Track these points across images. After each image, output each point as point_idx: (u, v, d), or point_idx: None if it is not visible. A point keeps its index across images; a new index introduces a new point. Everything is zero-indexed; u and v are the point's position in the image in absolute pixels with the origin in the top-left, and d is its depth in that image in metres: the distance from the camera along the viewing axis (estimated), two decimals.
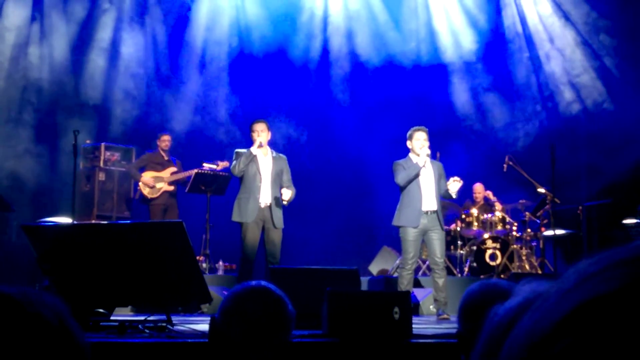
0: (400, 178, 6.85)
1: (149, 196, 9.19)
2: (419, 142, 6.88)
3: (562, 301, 0.50)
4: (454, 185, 6.85)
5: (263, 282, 1.98)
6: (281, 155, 7.27)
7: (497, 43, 11.86)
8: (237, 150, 7.18)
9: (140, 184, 9.24)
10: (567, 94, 11.40)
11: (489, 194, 9.82)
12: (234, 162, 7.01)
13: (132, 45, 11.00)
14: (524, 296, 0.74)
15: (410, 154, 6.96)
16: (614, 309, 0.46)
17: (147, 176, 9.21)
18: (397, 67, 11.75)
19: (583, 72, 11.32)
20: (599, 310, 0.47)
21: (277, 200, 6.99)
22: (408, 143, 6.99)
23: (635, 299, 0.47)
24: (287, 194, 6.92)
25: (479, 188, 9.87)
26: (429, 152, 6.90)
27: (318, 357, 3.92)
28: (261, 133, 7.02)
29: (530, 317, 0.52)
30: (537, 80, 11.71)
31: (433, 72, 11.87)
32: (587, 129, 11.03)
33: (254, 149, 6.97)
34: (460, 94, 11.88)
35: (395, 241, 8.30)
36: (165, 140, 9.45)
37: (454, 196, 6.97)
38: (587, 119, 11.17)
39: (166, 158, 9.41)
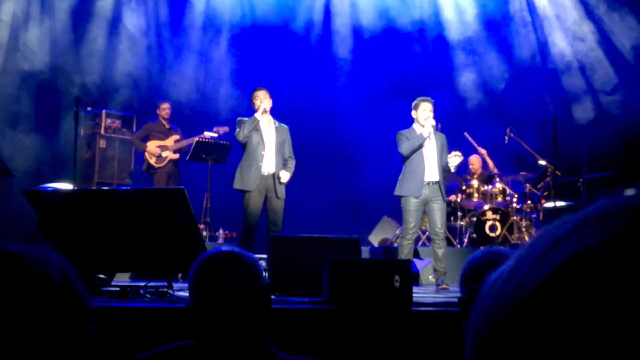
0: (404, 148, 6.85)
1: (156, 165, 9.14)
2: (424, 112, 6.86)
3: (543, 260, 0.49)
4: (454, 160, 6.85)
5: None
6: (283, 125, 7.24)
7: (501, 15, 11.72)
8: (239, 118, 7.16)
9: (146, 154, 9.17)
10: (571, 68, 11.32)
11: (491, 164, 9.77)
12: (238, 129, 7.00)
13: (134, 15, 10.88)
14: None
15: (415, 125, 6.94)
16: (601, 261, 0.46)
17: (152, 145, 9.16)
18: (400, 38, 11.64)
19: (588, 46, 11.23)
20: (585, 264, 0.46)
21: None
22: (413, 113, 6.96)
23: (619, 251, 0.46)
24: (285, 177, 6.96)
25: (474, 159, 9.84)
26: (433, 123, 6.88)
27: (318, 324, 3.94)
28: (264, 99, 7.01)
29: (509, 281, 0.51)
30: (541, 53, 11.62)
31: (436, 44, 11.76)
32: (590, 102, 10.97)
33: (258, 115, 6.96)
34: (463, 67, 11.79)
35: (395, 211, 8.30)
36: (165, 109, 9.38)
37: (452, 170, 7.00)
38: (592, 92, 11.11)
39: (167, 126, 9.35)
